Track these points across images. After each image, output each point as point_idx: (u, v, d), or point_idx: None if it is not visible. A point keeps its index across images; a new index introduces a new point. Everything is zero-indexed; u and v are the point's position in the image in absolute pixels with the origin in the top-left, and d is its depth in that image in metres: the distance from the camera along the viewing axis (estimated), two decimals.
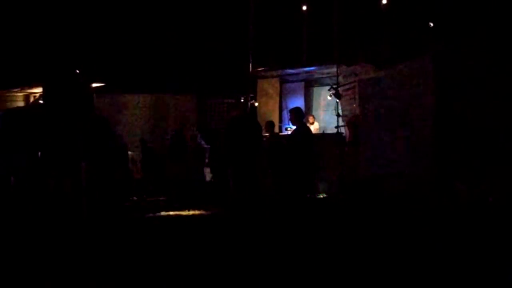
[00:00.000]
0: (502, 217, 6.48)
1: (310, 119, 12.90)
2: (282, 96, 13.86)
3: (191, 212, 9.11)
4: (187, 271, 4.78)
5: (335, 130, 11.26)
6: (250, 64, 13.41)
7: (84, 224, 7.78)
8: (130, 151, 12.75)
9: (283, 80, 13.91)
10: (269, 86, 13.80)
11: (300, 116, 8.37)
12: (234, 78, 14.65)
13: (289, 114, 9.45)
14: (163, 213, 9.20)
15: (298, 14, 14.13)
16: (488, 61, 7.26)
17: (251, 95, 13.59)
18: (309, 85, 14.12)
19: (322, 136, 11.66)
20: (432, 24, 9.31)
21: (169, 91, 14.11)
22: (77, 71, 13.15)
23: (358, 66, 12.15)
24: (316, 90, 14.10)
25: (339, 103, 11.59)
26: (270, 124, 9.54)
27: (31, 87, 12.08)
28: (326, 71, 12.90)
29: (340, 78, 12.09)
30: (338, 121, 11.30)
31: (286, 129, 12.35)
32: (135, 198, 11.56)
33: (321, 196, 10.45)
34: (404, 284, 4.29)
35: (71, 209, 8.20)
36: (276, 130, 11.35)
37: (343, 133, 11.30)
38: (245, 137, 7.31)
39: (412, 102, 8.42)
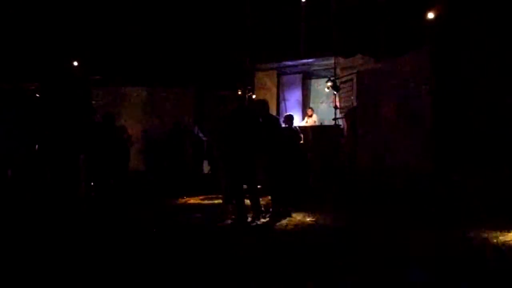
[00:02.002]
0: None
1: (309, 112, 12.89)
2: (279, 88, 13.84)
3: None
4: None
5: (333, 122, 11.26)
6: (248, 56, 13.36)
7: (81, 216, 7.79)
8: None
9: (281, 72, 13.88)
10: (267, 78, 13.78)
11: (262, 109, 7.71)
12: (232, 70, 14.63)
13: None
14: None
15: (296, 5, 14.07)
16: (486, 54, 7.24)
17: (249, 87, 13.58)
18: (307, 77, 14.10)
19: (320, 128, 11.65)
20: (431, 16, 9.27)
21: (166, 83, 14.10)
22: (75, 64, 13.16)
23: (356, 58, 12.14)
24: (314, 82, 14.09)
25: (337, 95, 11.59)
26: (289, 118, 9.10)
27: (28, 81, 12.04)
28: (324, 63, 12.87)
29: (338, 70, 12.08)
30: (335, 113, 11.29)
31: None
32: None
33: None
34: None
35: (68, 200, 8.20)
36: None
37: (340, 125, 11.31)
38: (242, 130, 7.22)
39: (410, 95, 8.40)
